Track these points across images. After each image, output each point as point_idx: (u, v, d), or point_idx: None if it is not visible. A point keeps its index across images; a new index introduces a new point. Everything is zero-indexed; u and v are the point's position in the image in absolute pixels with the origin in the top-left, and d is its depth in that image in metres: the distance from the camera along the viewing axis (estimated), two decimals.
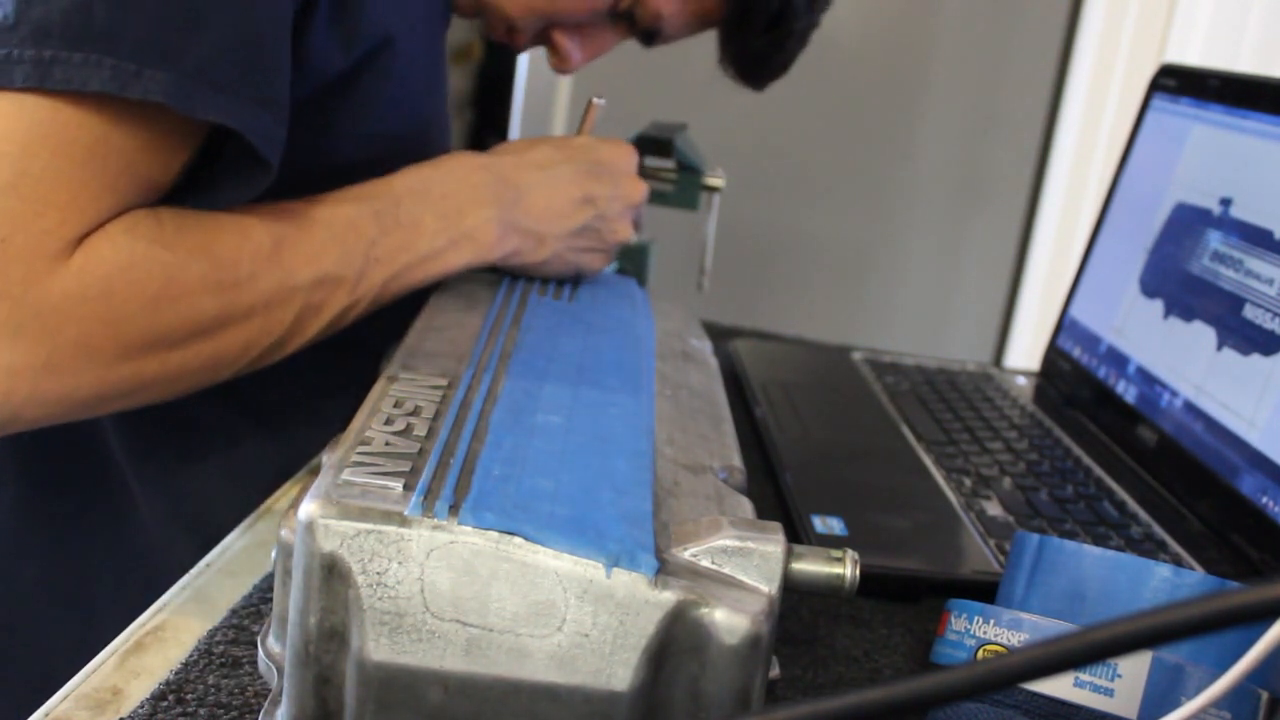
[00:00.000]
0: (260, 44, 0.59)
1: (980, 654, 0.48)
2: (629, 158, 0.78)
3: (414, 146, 0.76)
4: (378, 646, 0.38)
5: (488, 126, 2.82)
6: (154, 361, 0.57)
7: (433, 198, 0.69)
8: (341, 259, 0.64)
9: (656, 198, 0.94)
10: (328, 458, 0.45)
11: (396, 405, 0.47)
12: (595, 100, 0.84)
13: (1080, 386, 0.95)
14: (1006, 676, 0.25)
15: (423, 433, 0.45)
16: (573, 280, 0.76)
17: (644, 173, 0.94)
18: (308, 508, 0.38)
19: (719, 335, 1.00)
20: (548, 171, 0.74)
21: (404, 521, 0.38)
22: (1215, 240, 0.81)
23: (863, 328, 2.08)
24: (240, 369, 0.63)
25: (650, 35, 0.85)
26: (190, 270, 0.57)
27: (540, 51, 0.86)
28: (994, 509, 0.73)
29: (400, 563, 0.38)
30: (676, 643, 0.39)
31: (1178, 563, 0.68)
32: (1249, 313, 0.75)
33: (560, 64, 0.85)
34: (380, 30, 0.70)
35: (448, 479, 0.41)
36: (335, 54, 0.68)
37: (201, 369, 0.60)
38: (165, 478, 0.79)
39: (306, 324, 0.63)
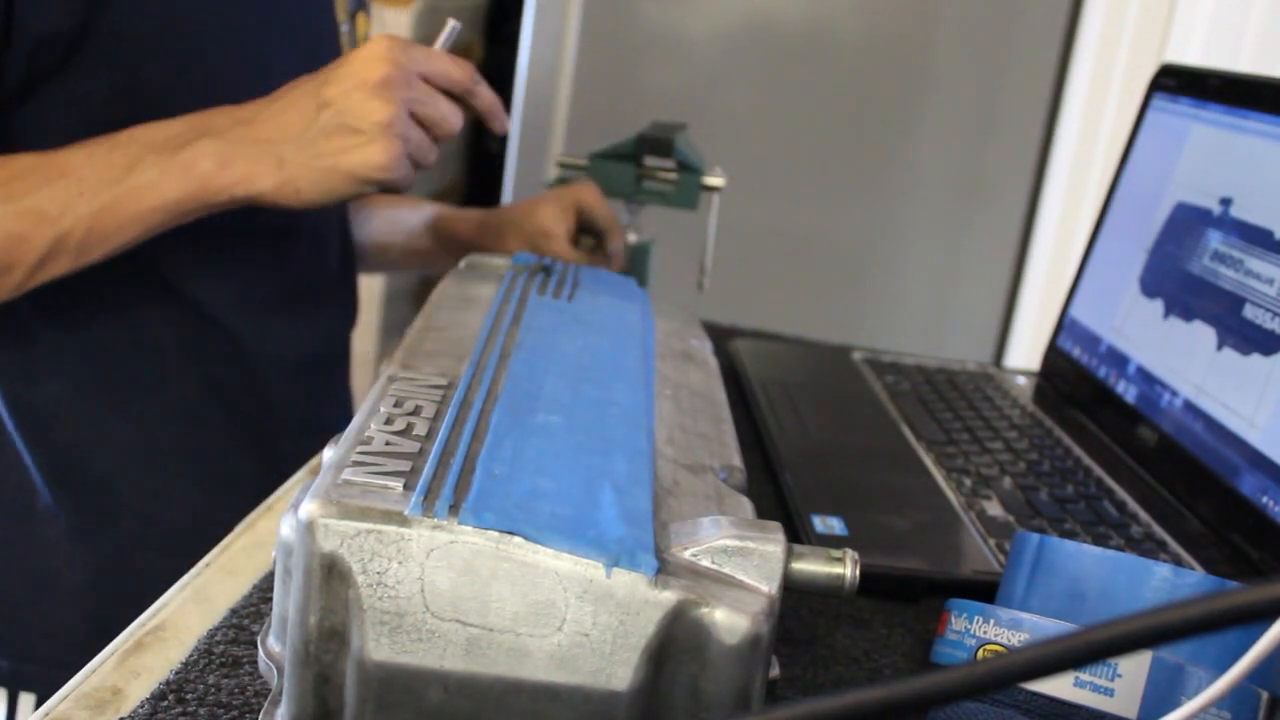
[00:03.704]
0: None
1: (980, 654, 0.48)
2: (375, 45, 0.75)
3: (192, 92, 0.78)
4: (378, 646, 0.38)
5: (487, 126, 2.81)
6: None
7: (154, 138, 0.73)
8: (47, 196, 0.71)
9: (656, 198, 0.94)
10: (328, 457, 0.46)
11: (396, 405, 0.47)
12: (450, 21, 0.82)
13: (1080, 386, 0.94)
14: (1006, 676, 0.25)
15: (423, 432, 0.45)
16: (346, 190, 0.75)
17: (644, 173, 0.94)
18: (308, 507, 0.38)
19: (719, 335, 1.00)
20: (281, 99, 0.76)
21: (404, 521, 0.38)
22: (1215, 240, 0.81)
23: (863, 328, 2.08)
24: None
25: None
26: None
27: (540, 52, 0.86)
28: (994, 509, 0.73)
29: (400, 562, 0.38)
30: (676, 642, 0.39)
31: (1178, 563, 0.68)
32: (1249, 313, 0.75)
33: None
34: None
35: (448, 479, 0.41)
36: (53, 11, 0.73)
37: None
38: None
39: (16, 253, 0.71)
